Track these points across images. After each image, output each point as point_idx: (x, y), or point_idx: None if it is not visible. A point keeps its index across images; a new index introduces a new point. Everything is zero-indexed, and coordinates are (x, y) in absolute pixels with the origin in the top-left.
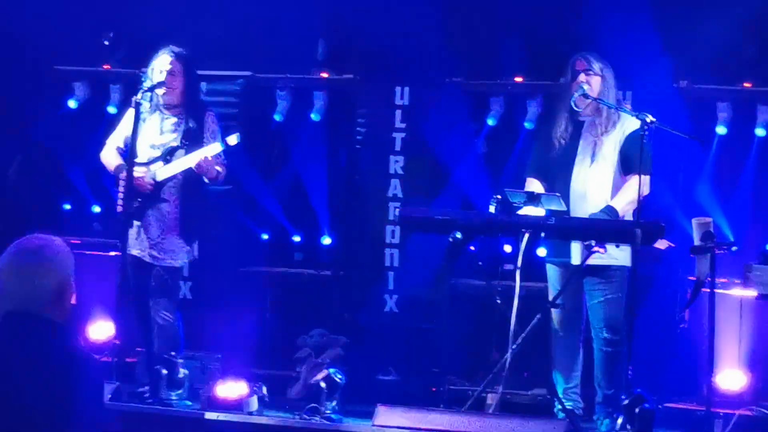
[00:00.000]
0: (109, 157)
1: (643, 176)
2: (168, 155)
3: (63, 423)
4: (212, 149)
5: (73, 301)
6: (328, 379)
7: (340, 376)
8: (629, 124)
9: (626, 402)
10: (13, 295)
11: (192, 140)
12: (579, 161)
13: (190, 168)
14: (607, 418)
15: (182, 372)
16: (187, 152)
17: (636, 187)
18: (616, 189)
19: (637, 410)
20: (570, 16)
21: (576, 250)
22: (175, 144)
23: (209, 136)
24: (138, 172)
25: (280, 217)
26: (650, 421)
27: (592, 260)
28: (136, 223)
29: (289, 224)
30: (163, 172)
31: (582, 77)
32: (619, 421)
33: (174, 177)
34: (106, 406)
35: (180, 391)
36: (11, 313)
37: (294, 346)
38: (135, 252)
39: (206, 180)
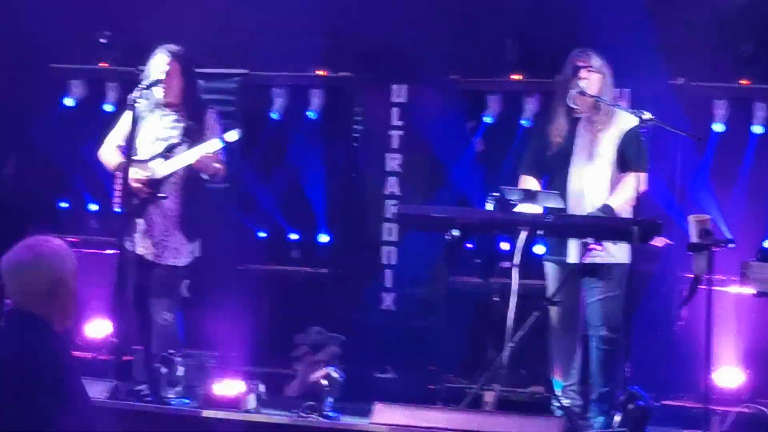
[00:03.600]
0: (109, 155)
1: (640, 173)
2: (168, 152)
3: (38, 421)
4: (212, 145)
5: (74, 303)
6: (326, 376)
7: (337, 374)
8: (626, 121)
9: (623, 400)
10: (11, 292)
11: (192, 137)
12: (576, 159)
13: (191, 165)
14: (602, 416)
15: (179, 369)
16: (186, 149)
17: (633, 184)
18: (613, 186)
19: (630, 407)
20: (567, 14)
21: (573, 248)
22: (175, 141)
23: (210, 134)
24: (137, 171)
25: (277, 215)
26: (643, 419)
27: (590, 258)
28: (140, 221)
29: (286, 222)
30: (163, 168)
31: (582, 73)
32: (616, 418)
33: (174, 174)
34: (91, 406)
35: (178, 389)
36: (12, 310)
37: (291, 344)
38: (139, 250)
39: (206, 177)
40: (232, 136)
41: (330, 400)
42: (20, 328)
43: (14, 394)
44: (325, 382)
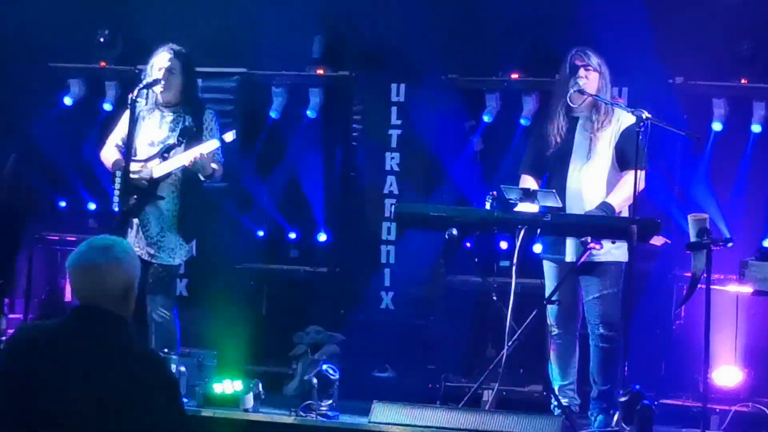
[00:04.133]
0: (109, 155)
1: (638, 171)
2: (165, 152)
3: (140, 422)
4: (208, 146)
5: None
6: (317, 375)
7: (332, 370)
8: (624, 119)
9: (624, 399)
10: (82, 292)
11: (190, 138)
12: (575, 158)
13: (187, 165)
14: (601, 414)
15: (174, 367)
16: (184, 150)
17: (631, 182)
18: (611, 185)
19: (638, 407)
20: (566, 13)
21: (571, 247)
22: (172, 141)
23: (208, 135)
24: (134, 167)
25: (275, 214)
26: (650, 418)
27: (590, 257)
28: (135, 221)
29: (284, 221)
30: (159, 169)
31: (581, 72)
32: (615, 417)
33: (170, 174)
34: (184, 406)
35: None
36: (83, 307)
37: (290, 343)
38: (135, 250)
39: (202, 177)
40: (229, 136)
41: (326, 402)
42: (101, 325)
43: (109, 393)
44: (314, 380)
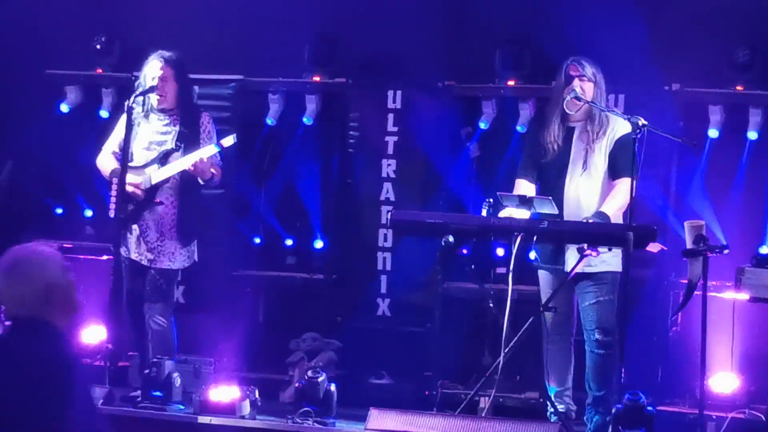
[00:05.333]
0: (105, 162)
1: (630, 179)
2: (163, 158)
3: (49, 427)
4: (207, 151)
5: (76, 302)
6: (319, 382)
7: (322, 378)
8: (618, 128)
9: (623, 404)
10: (8, 301)
11: (187, 142)
12: (571, 168)
13: (186, 170)
14: (597, 420)
15: (173, 375)
16: (182, 155)
17: (625, 191)
18: (606, 194)
19: (638, 413)
20: (562, 20)
21: (571, 258)
22: (169, 147)
23: (206, 138)
24: (132, 177)
25: (272, 221)
26: (651, 423)
27: (585, 267)
28: (134, 227)
29: (281, 228)
30: (158, 174)
31: (576, 82)
32: (611, 423)
33: (169, 179)
34: (96, 410)
35: (166, 392)
36: (16, 318)
37: (286, 349)
38: (133, 255)
39: (201, 182)
40: (229, 141)
41: (325, 406)
42: (24, 335)
43: (23, 400)
44: (317, 387)
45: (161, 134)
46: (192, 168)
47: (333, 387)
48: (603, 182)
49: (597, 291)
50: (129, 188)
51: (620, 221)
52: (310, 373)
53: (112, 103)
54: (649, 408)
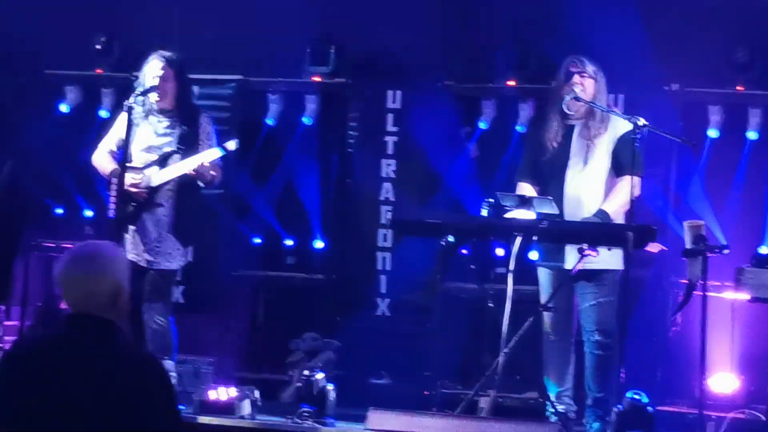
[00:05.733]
0: (102, 161)
1: (634, 177)
2: (163, 160)
3: (136, 424)
4: (210, 155)
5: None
6: (319, 382)
7: (321, 378)
8: (620, 126)
9: (623, 405)
10: (72, 300)
11: (187, 144)
12: (572, 165)
13: (186, 173)
14: (597, 421)
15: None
16: (183, 157)
17: (627, 189)
18: (609, 191)
19: (638, 413)
20: (562, 20)
21: (570, 255)
22: (170, 149)
23: (205, 139)
24: (133, 177)
25: (272, 221)
26: (651, 423)
27: (585, 265)
28: (131, 227)
29: (281, 228)
30: (158, 177)
31: (576, 79)
32: (611, 424)
33: (169, 182)
34: (179, 407)
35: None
36: (76, 315)
37: (286, 350)
38: (131, 256)
39: (201, 184)
40: (231, 145)
41: (325, 406)
42: (95, 332)
43: (111, 398)
44: (317, 388)
45: (161, 136)
46: (194, 172)
47: (332, 387)
48: (605, 179)
49: (597, 292)
50: (131, 189)
51: (622, 220)
52: (308, 373)
53: (111, 103)
54: (649, 408)
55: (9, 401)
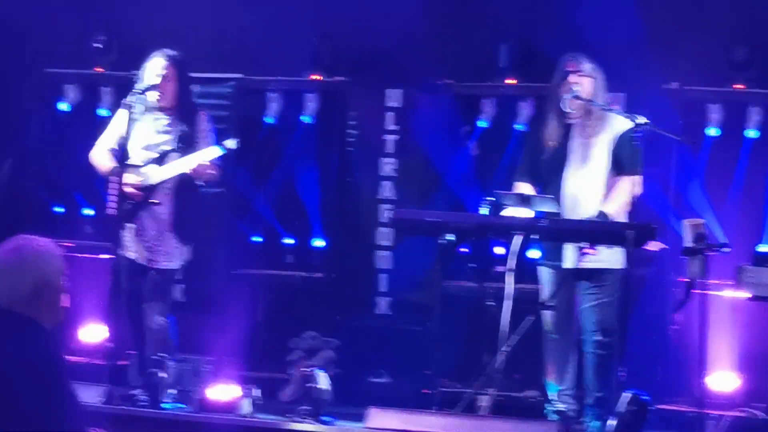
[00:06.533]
0: (100, 158)
1: (634, 176)
2: (162, 158)
3: (30, 424)
4: (209, 153)
5: (65, 303)
6: (318, 381)
7: (323, 374)
8: (619, 125)
9: (621, 403)
10: None
11: (186, 143)
12: (571, 165)
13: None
14: (596, 420)
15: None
16: (181, 155)
17: (627, 188)
18: (608, 190)
19: (632, 410)
20: (561, 18)
21: (570, 254)
22: (168, 147)
23: (203, 138)
24: (131, 176)
25: (271, 220)
26: (644, 412)
27: (585, 264)
28: (130, 225)
29: (280, 227)
30: (156, 175)
31: (573, 78)
32: (611, 423)
33: (167, 180)
34: (83, 410)
35: (173, 391)
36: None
37: (286, 348)
38: (130, 255)
39: (200, 183)
40: (231, 144)
41: (324, 405)
42: (9, 330)
43: (5, 397)
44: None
45: (160, 134)
46: (193, 171)
47: (331, 385)
48: (605, 178)
49: (598, 293)
50: (127, 188)
51: (623, 219)
52: (308, 371)
53: (111, 101)
54: (649, 407)
55: None
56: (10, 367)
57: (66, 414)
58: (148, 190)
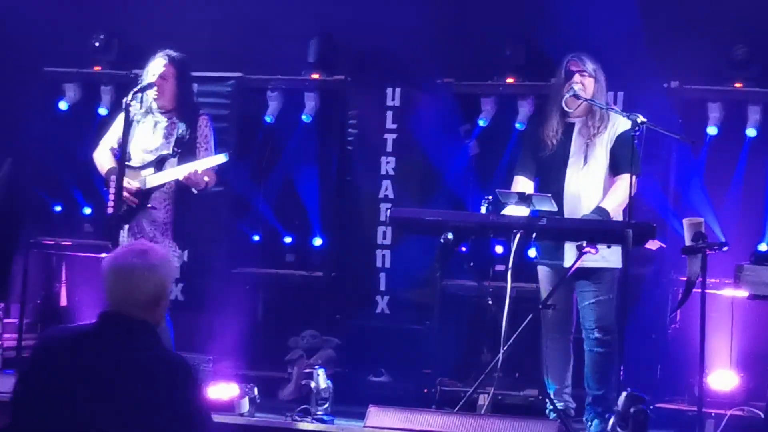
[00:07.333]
0: (102, 158)
1: (632, 176)
2: (159, 163)
3: (164, 424)
4: (205, 163)
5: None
6: (318, 379)
7: (322, 373)
8: (619, 124)
9: (620, 402)
10: (114, 294)
11: (185, 148)
12: (572, 163)
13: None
14: (596, 419)
15: None
16: (179, 161)
17: (626, 187)
18: (606, 190)
19: (631, 410)
20: (561, 17)
21: (569, 253)
22: (167, 151)
23: (203, 143)
24: (129, 179)
25: (271, 219)
26: (645, 423)
27: (584, 262)
28: (126, 226)
29: (280, 225)
30: (152, 180)
31: (576, 77)
32: (611, 421)
33: (164, 185)
34: (206, 407)
35: None
36: (107, 314)
37: (285, 347)
38: None
39: (195, 191)
40: (221, 158)
41: (324, 403)
42: (131, 333)
43: (136, 400)
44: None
45: (159, 136)
46: (185, 180)
47: (331, 384)
48: (604, 178)
49: (596, 291)
50: (124, 194)
51: (620, 218)
52: (308, 370)
53: (110, 100)
54: (641, 406)
55: (35, 396)
56: (141, 369)
57: (196, 411)
58: (145, 194)
